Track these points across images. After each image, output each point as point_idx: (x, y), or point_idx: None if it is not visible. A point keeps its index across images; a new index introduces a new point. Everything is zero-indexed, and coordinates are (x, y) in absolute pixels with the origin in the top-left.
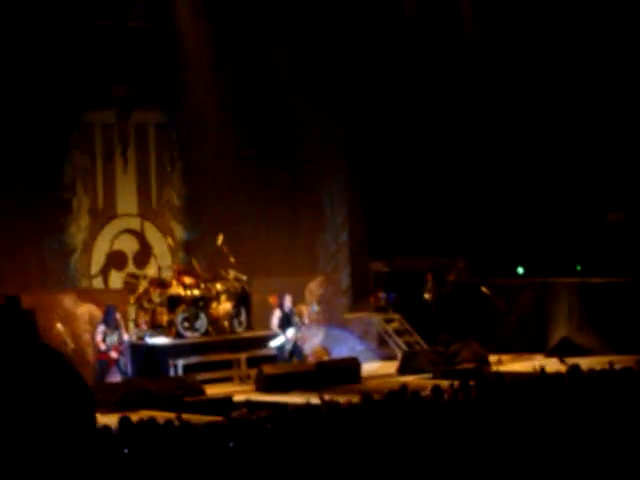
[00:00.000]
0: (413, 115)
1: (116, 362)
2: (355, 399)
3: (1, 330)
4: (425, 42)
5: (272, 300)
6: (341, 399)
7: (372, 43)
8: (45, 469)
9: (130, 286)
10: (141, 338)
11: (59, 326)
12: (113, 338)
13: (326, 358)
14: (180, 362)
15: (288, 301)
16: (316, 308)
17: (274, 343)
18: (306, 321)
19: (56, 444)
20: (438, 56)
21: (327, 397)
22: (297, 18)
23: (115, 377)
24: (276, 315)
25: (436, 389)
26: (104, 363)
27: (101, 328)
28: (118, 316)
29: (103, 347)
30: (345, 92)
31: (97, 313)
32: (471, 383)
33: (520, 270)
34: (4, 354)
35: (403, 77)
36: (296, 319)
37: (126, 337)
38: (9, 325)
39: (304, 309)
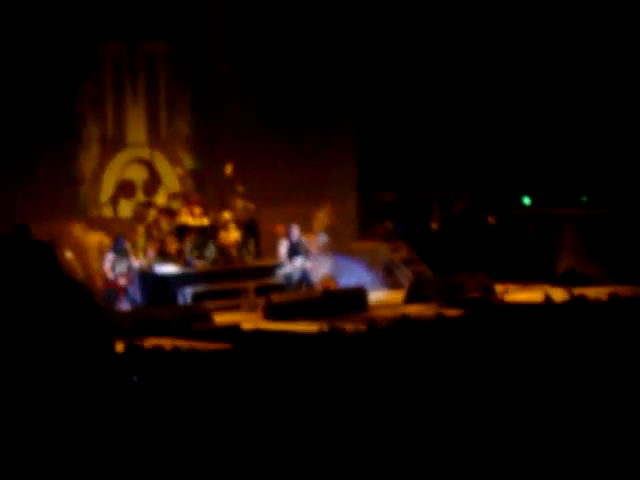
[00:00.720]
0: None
1: (125, 290)
2: (362, 327)
3: (21, 260)
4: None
5: (279, 229)
6: (348, 327)
7: None
8: (67, 399)
9: (139, 215)
10: (150, 267)
11: (69, 255)
12: (122, 266)
13: (333, 287)
14: (189, 290)
15: (295, 230)
16: (324, 238)
17: (281, 272)
18: (314, 250)
19: (78, 374)
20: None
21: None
22: None
23: (124, 305)
24: (283, 244)
25: (440, 318)
26: (113, 291)
27: (110, 256)
28: (127, 244)
29: (111, 275)
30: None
31: (106, 242)
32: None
33: (526, 201)
34: (29, 285)
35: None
36: (303, 248)
37: (135, 265)
38: (28, 255)
39: (312, 238)
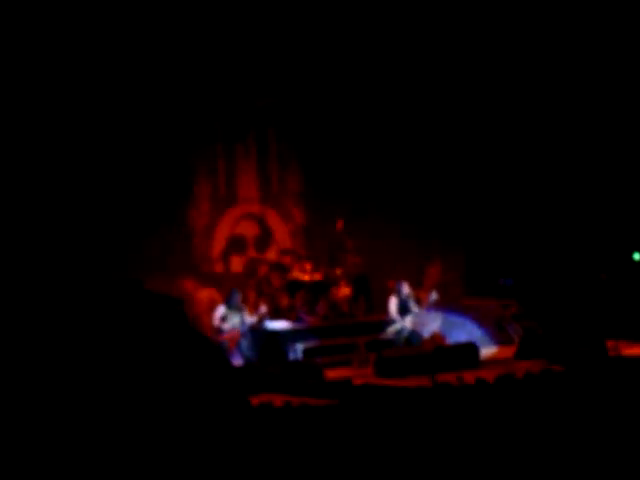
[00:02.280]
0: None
1: (237, 344)
2: (470, 382)
3: (149, 314)
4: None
5: (391, 285)
6: (456, 382)
7: None
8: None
9: (250, 270)
10: (261, 322)
11: None
12: (234, 320)
13: (444, 343)
14: (300, 346)
15: (405, 287)
16: (435, 296)
17: (391, 329)
18: (424, 307)
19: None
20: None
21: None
22: None
23: (236, 360)
24: (393, 301)
25: (547, 373)
26: (225, 344)
27: (221, 309)
28: (240, 299)
29: (223, 327)
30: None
31: (217, 297)
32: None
33: (637, 256)
34: (161, 340)
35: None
36: (413, 304)
37: (248, 319)
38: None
39: (423, 295)
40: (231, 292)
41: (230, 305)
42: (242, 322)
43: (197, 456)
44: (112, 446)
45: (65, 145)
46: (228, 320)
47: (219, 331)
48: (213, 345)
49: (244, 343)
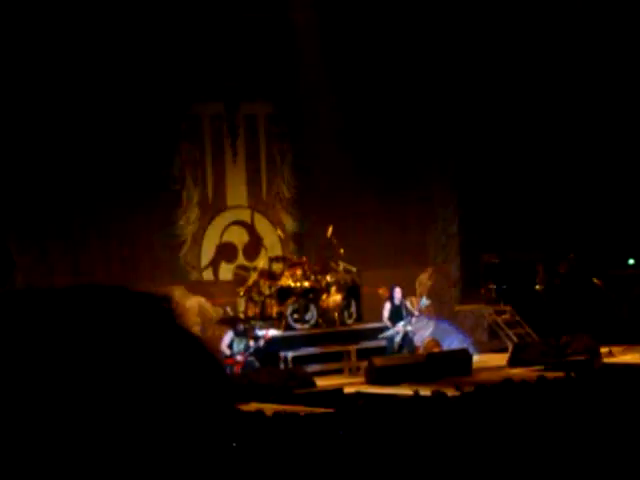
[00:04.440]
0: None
1: (243, 366)
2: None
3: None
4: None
5: (382, 292)
6: (449, 391)
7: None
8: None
9: (240, 278)
10: (268, 345)
11: None
12: (240, 346)
13: (437, 350)
14: (290, 354)
15: (398, 293)
16: (426, 302)
17: (384, 335)
18: (416, 313)
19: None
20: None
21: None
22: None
23: None
24: (386, 307)
25: (541, 381)
26: (230, 368)
27: (229, 335)
28: (243, 327)
29: (228, 352)
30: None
31: (206, 305)
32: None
33: (631, 261)
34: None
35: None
36: (406, 311)
37: (252, 344)
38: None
39: (414, 301)
40: (235, 320)
41: (237, 332)
42: (247, 347)
43: (182, 462)
44: (96, 449)
45: (53, 152)
46: (234, 346)
47: (226, 355)
48: (202, 344)
49: (252, 363)
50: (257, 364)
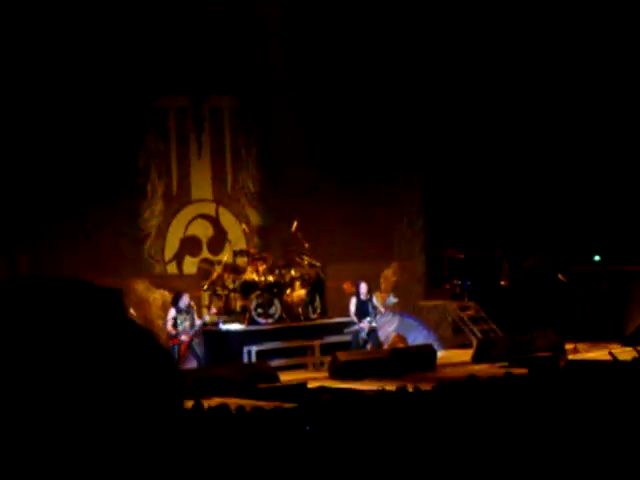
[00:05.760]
0: (484, 105)
1: (189, 346)
2: (429, 387)
3: (83, 304)
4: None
5: (346, 287)
6: (414, 386)
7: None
8: (132, 449)
9: (204, 272)
10: (214, 324)
11: (132, 312)
12: (185, 324)
13: (402, 346)
14: (254, 348)
15: (364, 288)
16: (393, 300)
17: (350, 330)
18: (382, 309)
19: (146, 425)
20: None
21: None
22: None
23: (189, 363)
24: (352, 302)
25: (506, 377)
26: (175, 348)
27: (172, 313)
28: (190, 301)
29: (173, 332)
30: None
31: (170, 299)
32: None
33: (596, 258)
34: (92, 329)
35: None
36: (372, 307)
37: (198, 322)
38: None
39: (380, 297)
40: (178, 295)
41: (179, 308)
42: (192, 325)
43: (126, 452)
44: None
45: (16, 143)
46: (179, 323)
47: (171, 335)
48: (151, 338)
49: (196, 346)
50: (200, 348)
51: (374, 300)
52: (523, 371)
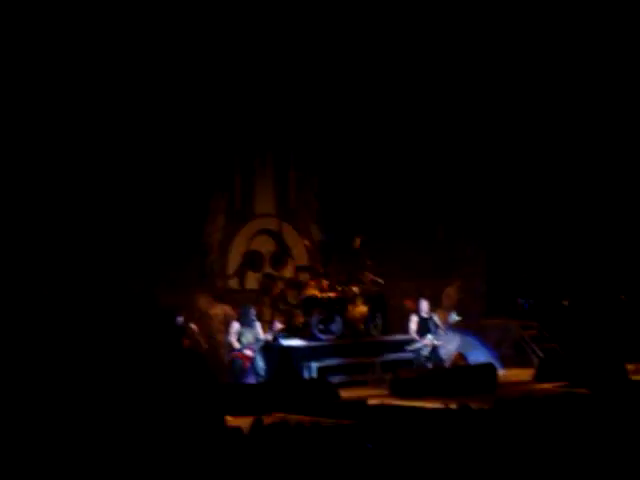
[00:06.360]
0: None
1: (251, 361)
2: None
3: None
4: None
5: (408, 304)
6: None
7: None
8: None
9: (266, 287)
10: (275, 339)
11: (193, 326)
12: (248, 337)
13: (463, 364)
14: (314, 364)
15: (425, 306)
16: (456, 317)
17: (412, 348)
18: (443, 327)
19: (184, 443)
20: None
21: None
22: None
23: (250, 378)
24: (413, 320)
25: (567, 396)
26: (239, 362)
27: (236, 326)
28: (254, 315)
29: (237, 346)
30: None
31: (232, 313)
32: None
33: None
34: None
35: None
36: (433, 324)
37: (262, 336)
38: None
39: (442, 315)
40: (244, 308)
41: (243, 322)
42: (256, 339)
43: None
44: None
45: (83, 158)
46: (242, 337)
47: (234, 349)
48: (197, 359)
49: (258, 361)
50: (263, 365)
51: (435, 318)
52: (585, 391)
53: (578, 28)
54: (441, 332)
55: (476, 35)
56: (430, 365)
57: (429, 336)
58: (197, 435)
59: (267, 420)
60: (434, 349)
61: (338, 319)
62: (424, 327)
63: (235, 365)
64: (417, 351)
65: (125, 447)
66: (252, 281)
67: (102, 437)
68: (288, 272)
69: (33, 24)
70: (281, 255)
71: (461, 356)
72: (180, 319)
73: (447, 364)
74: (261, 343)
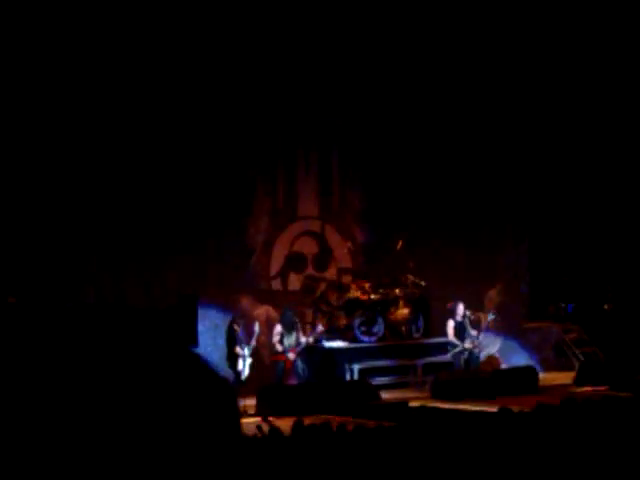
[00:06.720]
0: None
1: (293, 364)
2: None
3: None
4: None
5: (450, 307)
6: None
7: None
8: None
9: (308, 288)
10: (318, 341)
11: (235, 327)
12: (291, 339)
13: (500, 366)
14: (356, 366)
15: (460, 310)
16: (492, 316)
17: (454, 351)
18: (482, 329)
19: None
20: None
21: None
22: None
23: (292, 379)
24: (450, 324)
25: (608, 399)
26: (281, 364)
27: (278, 329)
28: (296, 318)
29: (280, 348)
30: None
31: (274, 314)
32: None
33: None
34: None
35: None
36: (471, 327)
37: (303, 339)
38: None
39: (482, 316)
40: (284, 311)
41: (285, 324)
42: (297, 342)
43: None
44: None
45: (127, 160)
46: (285, 340)
47: (277, 352)
48: (219, 379)
49: (299, 363)
50: (304, 367)
51: (472, 320)
52: (626, 395)
53: (587, 21)
54: (481, 334)
55: (507, 30)
56: (469, 367)
57: (469, 340)
58: (207, 440)
59: (309, 421)
60: (473, 351)
61: (380, 321)
62: (461, 330)
63: (277, 367)
64: (457, 354)
65: (134, 449)
66: (295, 282)
67: (102, 437)
68: (330, 274)
69: (48, 25)
70: (324, 257)
71: (497, 358)
72: (237, 327)
73: (485, 367)
74: (303, 345)
